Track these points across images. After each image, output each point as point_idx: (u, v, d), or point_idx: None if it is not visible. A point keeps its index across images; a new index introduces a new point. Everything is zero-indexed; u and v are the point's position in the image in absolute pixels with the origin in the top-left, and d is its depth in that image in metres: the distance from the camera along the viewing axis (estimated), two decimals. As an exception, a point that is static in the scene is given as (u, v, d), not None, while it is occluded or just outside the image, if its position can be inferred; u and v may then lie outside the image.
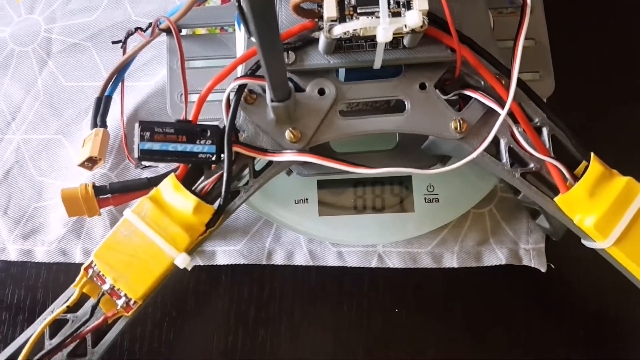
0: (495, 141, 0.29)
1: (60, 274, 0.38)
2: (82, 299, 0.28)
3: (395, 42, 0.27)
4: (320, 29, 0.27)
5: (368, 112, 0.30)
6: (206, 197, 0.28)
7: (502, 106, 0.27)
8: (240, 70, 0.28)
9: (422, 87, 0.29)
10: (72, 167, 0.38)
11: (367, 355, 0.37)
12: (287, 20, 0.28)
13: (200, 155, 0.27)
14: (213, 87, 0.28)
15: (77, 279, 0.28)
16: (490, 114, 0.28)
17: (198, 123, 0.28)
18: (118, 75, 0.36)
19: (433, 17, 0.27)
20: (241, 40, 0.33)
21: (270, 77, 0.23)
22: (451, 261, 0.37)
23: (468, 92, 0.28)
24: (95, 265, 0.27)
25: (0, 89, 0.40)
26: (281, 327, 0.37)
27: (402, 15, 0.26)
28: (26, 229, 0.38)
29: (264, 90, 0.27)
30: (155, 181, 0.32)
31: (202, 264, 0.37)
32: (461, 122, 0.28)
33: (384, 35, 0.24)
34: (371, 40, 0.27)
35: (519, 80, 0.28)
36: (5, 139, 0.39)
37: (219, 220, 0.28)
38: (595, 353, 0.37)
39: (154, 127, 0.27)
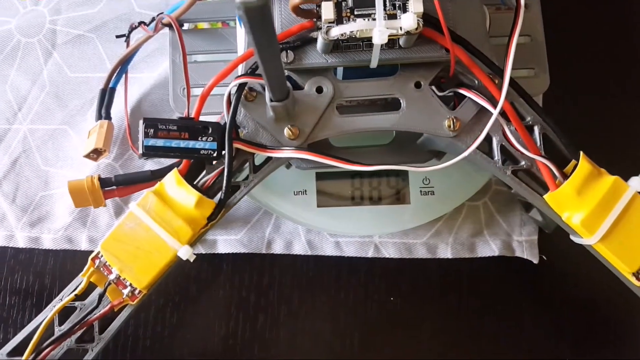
0: (488, 139, 0.30)
1: (67, 260, 0.39)
2: (90, 287, 0.30)
3: (391, 42, 0.28)
4: (318, 29, 0.27)
5: (366, 108, 0.31)
6: (208, 191, 0.29)
7: (495, 105, 0.28)
8: (241, 68, 0.29)
9: (417, 85, 0.30)
10: (78, 157, 0.39)
11: (363, 341, 0.38)
12: (287, 20, 0.29)
13: (202, 152, 0.28)
14: (215, 85, 0.29)
15: (85, 269, 0.29)
16: (484, 113, 0.29)
17: (200, 120, 0.29)
18: (122, 67, 0.37)
19: (428, 17, 0.27)
20: (242, 36, 0.34)
21: (268, 81, 0.24)
22: (445, 252, 0.38)
23: (462, 91, 0.29)
24: (101, 256, 0.28)
25: (7, 79, 0.41)
26: (280, 314, 0.38)
27: (398, 17, 0.27)
28: (33, 217, 0.39)
29: (264, 88, 0.28)
30: (158, 174, 0.33)
31: (203, 252, 0.38)
32: (454, 120, 0.29)
33: (379, 37, 0.25)
34: (368, 40, 0.28)
35: (511, 79, 0.28)
36: (13, 129, 0.41)
37: (220, 214, 0.29)
38: (584, 343, 0.38)
39: (157, 124, 0.28)
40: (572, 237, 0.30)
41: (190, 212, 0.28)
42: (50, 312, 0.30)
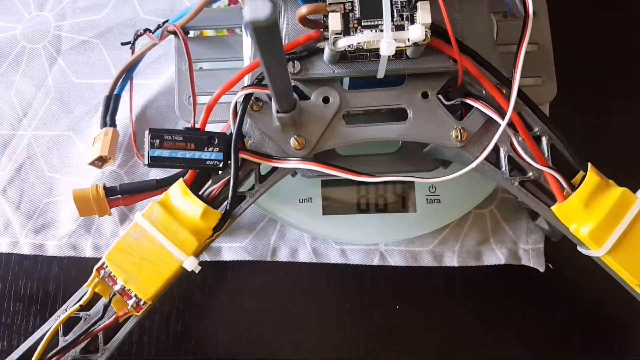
0: (496, 149, 0.30)
1: (71, 267, 0.39)
2: (94, 298, 0.30)
3: (399, 53, 0.28)
4: (325, 39, 0.27)
5: (373, 117, 0.31)
6: (213, 201, 0.29)
7: (503, 115, 0.28)
8: (247, 79, 0.29)
9: (425, 96, 0.30)
10: (82, 164, 0.39)
11: (368, 350, 0.38)
12: (293, 31, 0.29)
13: (208, 162, 0.28)
14: (221, 96, 0.29)
15: (90, 279, 0.29)
16: (491, 123, 0.29)
17: (206, 130, 0.29)
18: (127, 74, 0.37)
19: (436, 28, 0.27)
20: (248, 44, 0.34)
21: (275, 94, 0.24)
22: (452, 260, 0.38)
23: (469, 101, 0.29)
24: (106, 266, 0.28)
25: (12, 85, 0.41)
26: (284, 322, 0.38)
27: (406, 28, 0.26)
28: (38, 223, 0.39)
29: (270, 99, 0.28)
30: (163, 182, 0.34)
31: (208, 260, 0.38)
32: (462, 130, 0.29)
33: (387, 49, 0.25)
34: (375, 51, 0.28)
35: (519, 90, 0.28)
36: (17, 135, 0.41)
37: (225, 224, 0.29)
38: (591, 352, 0.38)
39: (163, 135, 0.28)
40: (579, 249, 0.30)
41: (195, 223, 0.28)
42: (54, 322, 0.30)
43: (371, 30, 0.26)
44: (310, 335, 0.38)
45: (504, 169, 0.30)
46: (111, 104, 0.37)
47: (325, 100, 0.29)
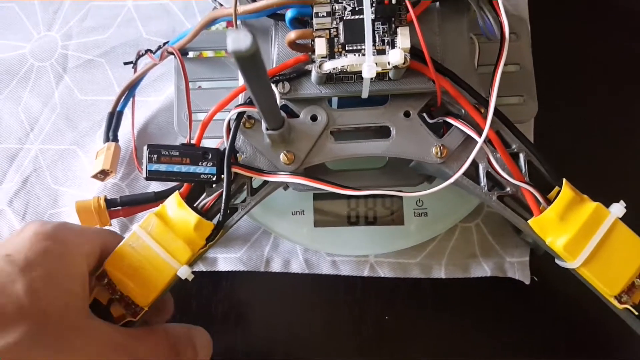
0: (475, 165, 0.31)
1: (74, 276, 0.41)
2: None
3: (381, 74, 0.30)
4: (312, 61, 0.29)
5: (359, 134, 0.33)
6: (207, 213, 0.31)
7: (480, 133, 0.30)
8: (241, 98, 0.31)
9: (407, 114, 0.31)
10: (86, 177, 0.41)
11: (358, 358, 0.39)
12: (283, 53, 0.31)
13: (202, 176, 0.30)
14: (215, 114, 0.31)
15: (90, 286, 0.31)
16: (470, 140, 0.31)
17: (201, 145, 0.31)
18: (129, 92, 0.39)
19: (415, 51, 0.29)
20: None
21: (262, 114, 0.26)
22: (439, 272, 0.40)
23: (449, 120, 0.31)
24: (106, 274, 0.30)
25: (20, 101, 0.43)
26: (278, 331, 0.40)
27: (387, 53, 0.28)
28: (43, 233, 0.41)
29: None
30: (161, 195, 0.36)
31: (204, 270, 0.40)
32: (442, 147, 0.31)
33: (368, 72, 0.27)
34: (359, 73, 0.30)
35: (496, 109, 0.30)
36: (25, 148, 0.43)
37: (218, 235, 0.31)
38: (575, 361, 0.39)
39: (160, 150, 0.30)
40: (557, 261, 0.32)
41: (189, 234, 0.30)
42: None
43: (354, 55, 0.28)
44: (303, 344, 0.40)
45: (482, 184, 0.31)
46: (114, 120, 0.39)
47: (313, 118, 0.31)
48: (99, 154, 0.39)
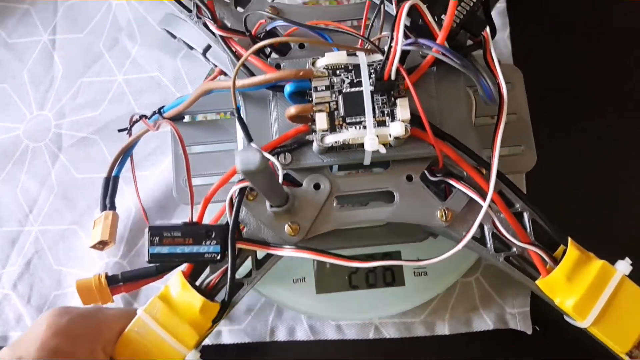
0: (480, 226, 0.29)
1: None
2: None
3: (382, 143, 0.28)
4: (313, 131, 0.27)
5: (364, 197, 0.31)
6: (212, 290, 0.29)
7: (483, 194, 0.28)
8: (241, 173, 0.29)
9: (409, 178, 0.30)
10: (88, 256, 0.39)
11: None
12: (283, 125, 0.29)
13: (206, 255, 0.28)
14: (218, 189, 0.28)
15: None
16: (474, 201, 0.29)
17: (203, 223, 0.29)
18: (123, 156, 0.37)
19: (414, 118, 0.28)
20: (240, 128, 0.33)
21: (269, 200, 0.24)
22: (443, 329, 0.37)
23: (452, 182, 0.29)
24: (113, 362, 0.27)
25: (18, 183, 0.41)
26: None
27: (387, 124, 0.27)
28: (46, 316, 0.38)
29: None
30: (162, 269, 0.33)
31: (209, 344, 0.37)
32: (446, 211, 0.29)
33: (370, 145, 0.25)
34: (361, 143, 0.28)
35: (498, 172, 0.28)
36: (25, 230, 0.40)
37: (224, 313, 0.28)
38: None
39: (162, 232, 0.27)
40: (566, 318, 0.30)
41: (195, 317, 0.27)
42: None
43: (355, 128, 0.27)
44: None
45: (489, 245, 0.29)
46: (110, 185, 0.37)
47: (317, 186, 0.29)
48: (97, 223, 0.36)
